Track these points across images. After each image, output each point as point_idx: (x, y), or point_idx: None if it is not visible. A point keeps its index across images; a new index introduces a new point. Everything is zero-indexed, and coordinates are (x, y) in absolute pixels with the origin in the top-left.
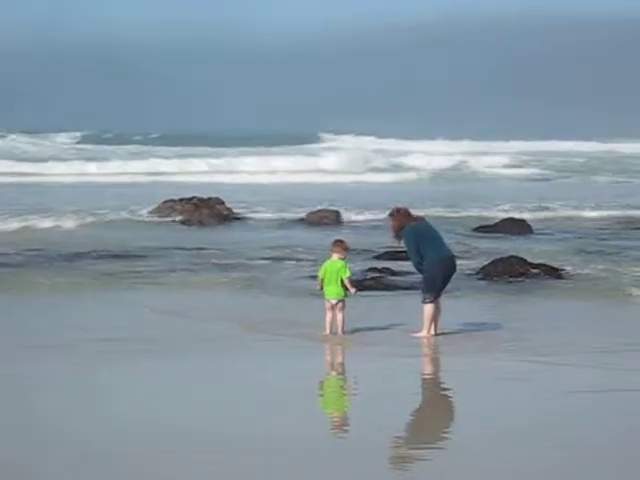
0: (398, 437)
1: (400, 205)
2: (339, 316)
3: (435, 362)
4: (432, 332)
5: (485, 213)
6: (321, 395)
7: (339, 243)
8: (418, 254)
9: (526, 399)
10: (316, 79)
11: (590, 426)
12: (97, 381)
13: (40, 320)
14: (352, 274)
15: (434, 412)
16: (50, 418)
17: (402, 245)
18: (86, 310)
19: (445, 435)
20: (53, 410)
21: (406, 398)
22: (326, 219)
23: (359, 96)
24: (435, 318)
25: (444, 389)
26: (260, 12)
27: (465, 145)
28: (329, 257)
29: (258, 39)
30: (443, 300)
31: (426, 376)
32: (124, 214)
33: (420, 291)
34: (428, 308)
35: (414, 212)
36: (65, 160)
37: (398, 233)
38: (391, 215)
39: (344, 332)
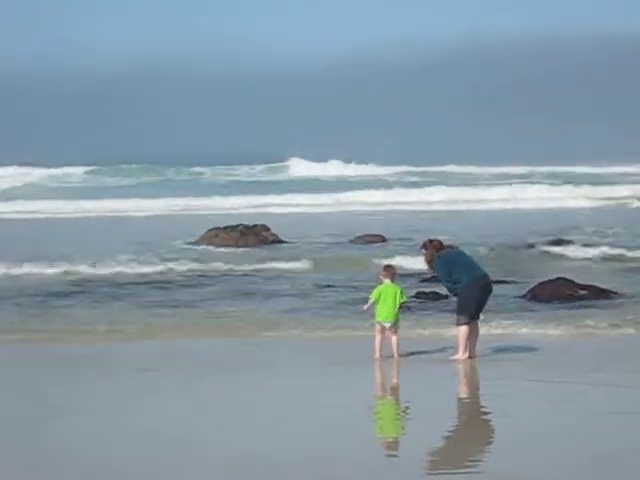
0: (440, 461)
1: (432, 237)
2: (394, 338)
3: (474, 384)
4: (466, 354)
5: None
6: (373, 417)
7: (389, 268)
8: (451, 280)
9: (572, 421)
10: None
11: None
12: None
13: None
14: (407, 299)
15: (474, 435)
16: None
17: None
18: None
19: (482, 459)
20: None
21: (446, 420)
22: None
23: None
24: (471, 340)
25: (484, 412)
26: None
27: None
28: (380, 282)
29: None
30: (481, 323)
31: (465, 399)
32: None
33: (455, 314)
34: (462, 330)
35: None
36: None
37: (430, 264)
38: (423, 247)
39: (400, 354)
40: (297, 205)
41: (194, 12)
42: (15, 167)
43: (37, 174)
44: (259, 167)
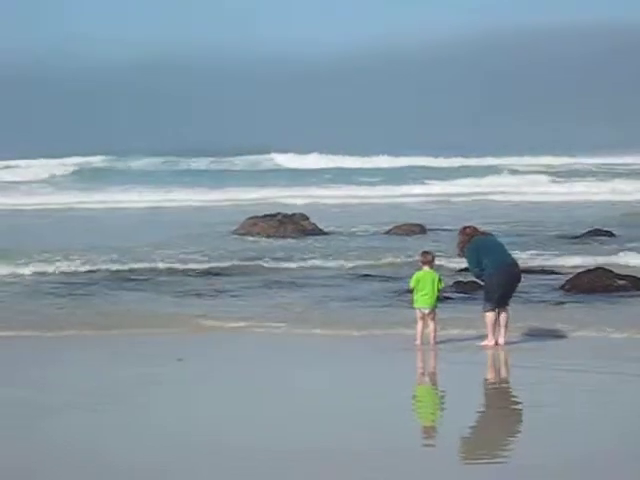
0: (473, 451)
1: (468, 223)
2: (431, 325)
3: (502, 372)
4: (493, 341)
5: None
6: (410, 406)
7: (426, 254)
8: (479, 265)
9: (605, 411)
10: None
11: None
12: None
13: None
14: (445, 286)
15: (506, 425)
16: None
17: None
18: None
19: (514, 449)
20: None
21: (474, 409)
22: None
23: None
24: (500, 326)
25: (515, 402)
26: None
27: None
28: (419, 268)
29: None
30: (517, 310)
31: (492, 386)
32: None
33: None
34: (489, 317)
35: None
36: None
37: (462, 249)
38: (459, 232)
39: (436, 342)
40: (318, 197)
41: None
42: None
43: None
44: (271, 156)
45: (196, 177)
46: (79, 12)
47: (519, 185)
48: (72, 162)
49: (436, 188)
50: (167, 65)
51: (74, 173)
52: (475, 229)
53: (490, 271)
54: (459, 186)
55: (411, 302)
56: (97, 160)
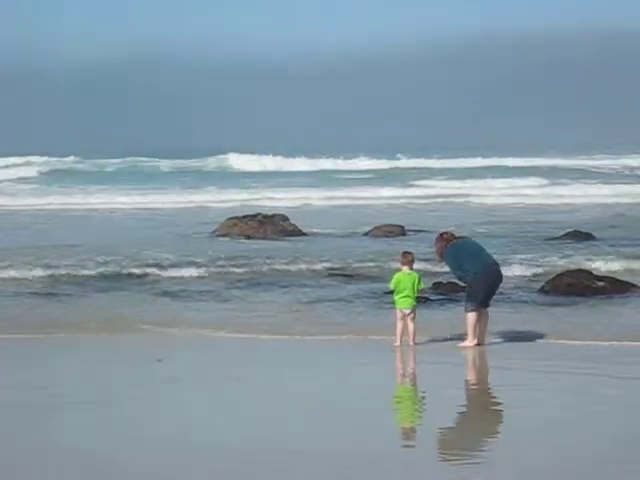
0: (453, 451)
1: (444, 230)
2: (411, 326)
3: (482, 372)
4: (475, 341)
5: None
6: (389, 407)
7: (407, 255)
8: (460, 269)
9: (581, 412)
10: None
11: None
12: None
13: None
14: (425, 287)
15: (484, 425)
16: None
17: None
18: None
19: (491, 450)
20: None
21: (454, 410)
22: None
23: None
24: (481, 327)
25: (494, 402)
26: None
27: None
28: (399, 269)
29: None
30: (496, 311)
31: (472, 386)
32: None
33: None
34: (471, 317)
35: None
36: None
37: (442, 254)
38: (436, 239)
39: (416, 342)
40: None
41: None
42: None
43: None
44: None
45: (157, 178)
46: (50, 12)
47: (504, 187)
48: (37, 161)
49: (419, 190)
50: (140, 65)
51: (41, 173)
52: (452, 234)
53: (474, 272)
54: (446, 188)
55: (392, 303)
56: (54, 161)
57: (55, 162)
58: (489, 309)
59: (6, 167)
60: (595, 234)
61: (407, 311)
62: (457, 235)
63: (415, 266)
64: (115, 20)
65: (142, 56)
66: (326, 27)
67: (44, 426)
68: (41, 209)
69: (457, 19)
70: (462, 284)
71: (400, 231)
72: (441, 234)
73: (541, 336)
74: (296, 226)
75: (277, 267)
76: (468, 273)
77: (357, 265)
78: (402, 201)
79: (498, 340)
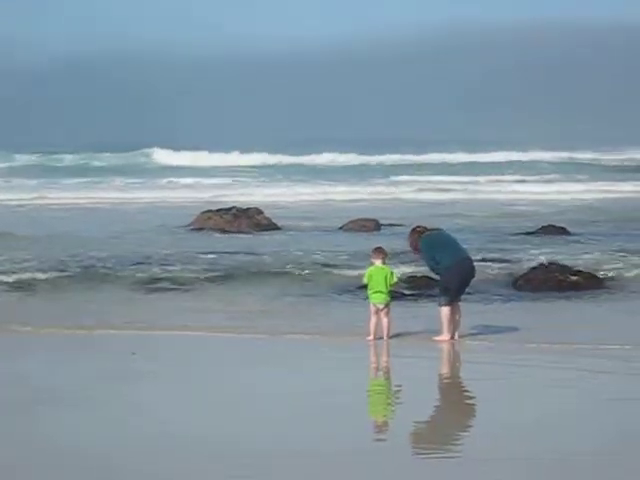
0: (426, 445)
1: (417, 224)
2: (385, 320)
3: (456, 366)
4: (449, 335)
5: None
6: (363, 402)
7: (379, 250)
8: (433, 260)
9: (556, 406)
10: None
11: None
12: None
13: None
14: (399, 281)
15: (458, 419)
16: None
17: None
18: None
19: (465, 444)
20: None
21: (428, 404)
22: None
23: None
24: (454, 321)
25: (468, 397)
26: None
27: None
28: (371, 264)
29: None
30: (471, 306)
31: (446, 380)
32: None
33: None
34: (444, 311)
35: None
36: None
37: (416, 247)
38: (409, 233)
39: (389, 336)
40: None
41: None
42: None
43: None
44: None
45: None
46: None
47: (485, 182)
48: None
49: (393, 188)
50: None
51: None
52: (425, 227)
53: (446, 264)
54: (426, 182)
55: (365, 297)
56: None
57: None
58: (461, 303)
59: None
60: (570, 229)
61: (380, 306)
62: (430, 228)
63: (389, 260)
64: (85, 17)
65: (109, 52)
66: (299, 21)
67: (22, 423)
68: None
69: (443, 11)
70: (435, 276)
71: (374, 225)
72: (414, 227)
73: (515, 330)
74: (270, 220)
75: (251, 261)
76: (441, 265)
77: (331, 258)
78: (374, 197)
79: (472, 334)
